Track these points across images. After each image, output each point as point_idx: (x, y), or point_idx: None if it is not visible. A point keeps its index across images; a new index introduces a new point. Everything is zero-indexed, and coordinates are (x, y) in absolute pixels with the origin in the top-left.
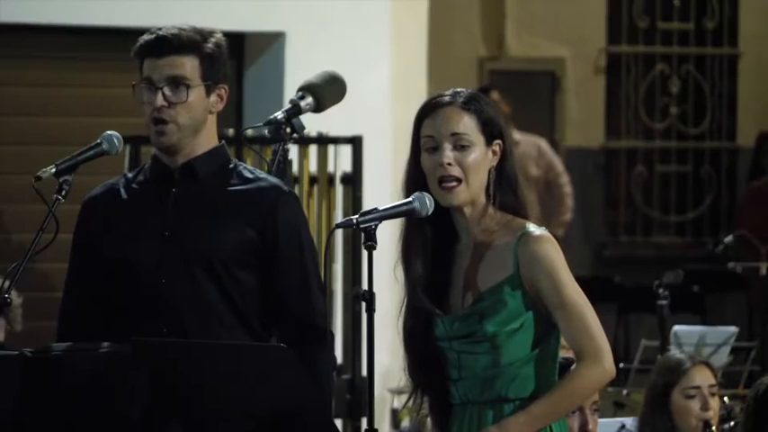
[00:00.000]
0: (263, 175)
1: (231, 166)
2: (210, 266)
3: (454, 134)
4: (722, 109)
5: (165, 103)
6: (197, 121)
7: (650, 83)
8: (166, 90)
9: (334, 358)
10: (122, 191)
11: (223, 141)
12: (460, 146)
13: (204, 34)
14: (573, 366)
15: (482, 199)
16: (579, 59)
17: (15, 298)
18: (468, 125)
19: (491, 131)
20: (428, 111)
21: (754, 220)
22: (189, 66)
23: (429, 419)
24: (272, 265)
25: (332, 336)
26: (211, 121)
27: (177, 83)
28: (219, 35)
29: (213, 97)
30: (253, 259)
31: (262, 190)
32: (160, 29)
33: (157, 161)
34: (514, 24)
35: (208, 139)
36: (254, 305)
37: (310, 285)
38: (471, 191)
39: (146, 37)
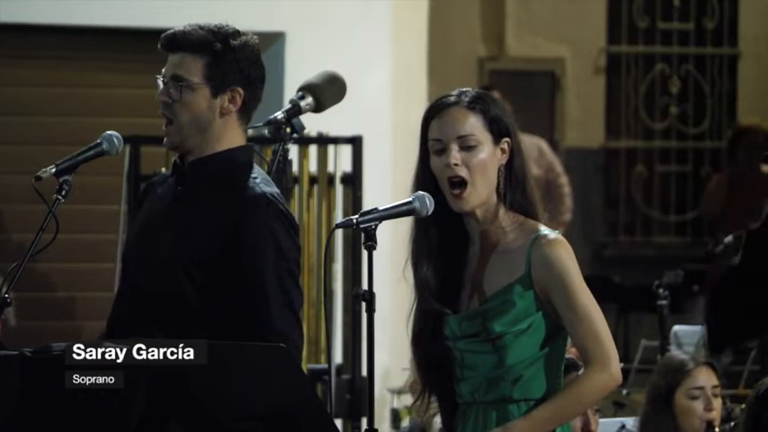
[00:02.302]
0: (255, 183)
1: (243, 172)
2: (174, 271)
3: (460, 136)
4: (722, 109)
5: (167, 100)
6: (199, 120)
7: (650, 83)
8: (170, 87)
9: None
10: (162, 183)
11: (249, 145)
12: (467, 146)
13: (222, 34)
14: (580, 371)
15: (493, 199)
16: (579, 59)
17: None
18: (474, 125)
19: (498, 130)
20: (434, 112)
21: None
22: (192, 65)
23: (436, 419)
24: (232, 278)
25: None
26: (224, 123)
27: (177, 81)
28: (246, 37)
29: (222, 99)
30: (217, 268)
31: (240, 199)
32: (186, 25)
33: (179, 157)
34: (514, 24)
35: (222, 141)
36: (218, 313)
37: (269, 303)
38: (479, 193)
39: (168, 32)
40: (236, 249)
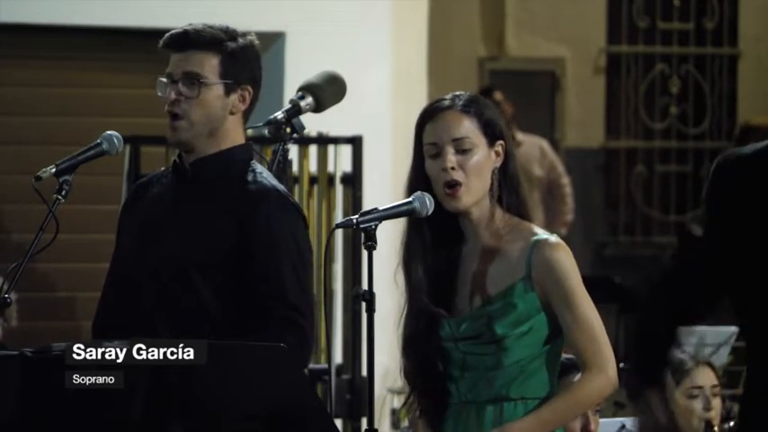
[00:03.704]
0: (262, 177)
1: (244, 169)
2: (180, 272)
3: (455, 139)
4: (722, 109)
5: (180, 97)
6: (211, 119)
7: (650, 83)
8: (181, 85)
9: (300, 358)
10: (156, 183)
11: (249, 143)
12: (462, 149)
13: (231, 33)
14: (578, 376)
15: (487, 201)
16: (579, 59)
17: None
18: (468, 128)
19: (492, 133)
20: (428, 116)
21: None
22: (206, 63)
23: (421, 421)
24: (244, 268)
25: (303, 335)
26: (232, 121)
27: (192, 78)
28: (252, 37)
29: (233, 97)
30: (231, 265)
31: (248, 193)
32: (191, 24)
33: (178, 157)
34: (514, 24)
35: (226, 140)
36: (226, 311)
37: (283, 280)
38: (474, 194)
39: (173, 30)
40: (248, 243)
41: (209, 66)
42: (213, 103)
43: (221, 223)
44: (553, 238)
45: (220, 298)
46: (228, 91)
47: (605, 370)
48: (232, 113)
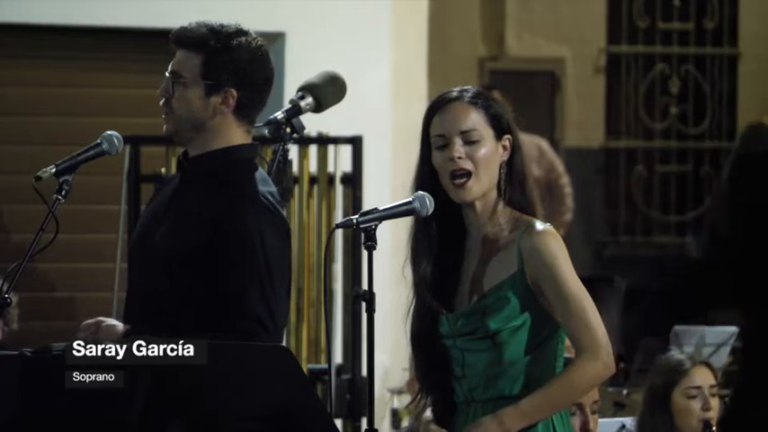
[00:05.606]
0: (249, 181)
1: (237, 170)
2: (165, 266)
3: (464, 131)
4: (722, 109)
5: (166, 94)
6: (193, 117)
7: (650, 83)
8: (169, 82)
9: None
10: (169, 183)
11: (254, 143)
12: (470, 141)
13: (221, 34)
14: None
15: (493, 194)
16: (579, 59)
17: (11, 297)
18: (476, 120)
19: (500, 126)
20: (436, 108)
21: None
22: (188, 62)
23: (427, 413)
24: (210, 269)
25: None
26: (220, 122)
27: (174, 77)
28: (247, 38)
29: (216, 98)
30: (199, 263)
31: (231, 194)
32: (193, 22)
33: (183, 154)
34: (514, 24)
35: (218, 139)
36: (205, 308)
37: (244, 288)
38: (482, 185)
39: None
40: (217, 244)
41: (191, 65)
42: (192, 102)
43: (199, 221)
44: (541, 226)
45: (189, 294)
46: (209, 92)
47: (598, 354)
48: (216, 114)
